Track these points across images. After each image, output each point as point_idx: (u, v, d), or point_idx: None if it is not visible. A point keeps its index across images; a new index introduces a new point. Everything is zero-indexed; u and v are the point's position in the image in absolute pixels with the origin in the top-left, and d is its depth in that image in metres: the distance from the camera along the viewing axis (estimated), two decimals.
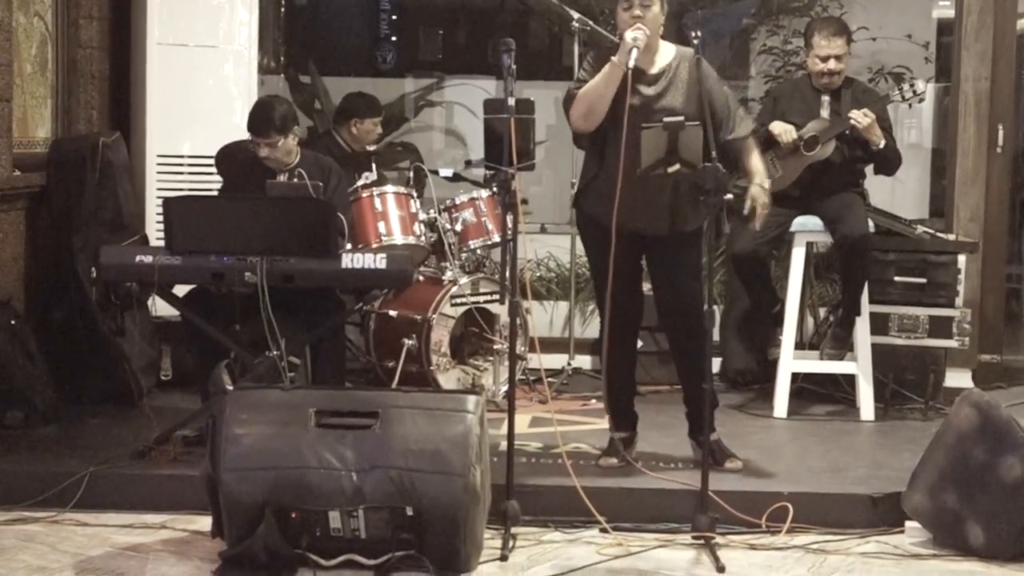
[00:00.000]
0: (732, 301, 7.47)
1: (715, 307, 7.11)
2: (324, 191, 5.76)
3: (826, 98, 6.59)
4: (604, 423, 5.99)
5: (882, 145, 6.44)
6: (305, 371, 5.69)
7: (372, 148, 7.51)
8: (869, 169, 6.73)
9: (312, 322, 5.57)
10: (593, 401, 6.80)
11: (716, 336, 7.09)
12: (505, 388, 6.36)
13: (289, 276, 5.19)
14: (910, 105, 6.85)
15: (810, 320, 7.36)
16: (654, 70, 5.30)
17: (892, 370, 6.77)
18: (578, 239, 7.55)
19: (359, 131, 7.45)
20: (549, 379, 6.97)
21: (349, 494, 4.36)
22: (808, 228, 6.56)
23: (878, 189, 7.28)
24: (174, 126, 6.94)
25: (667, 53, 5.35)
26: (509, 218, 5.02)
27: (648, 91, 5.26)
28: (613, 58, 5.15)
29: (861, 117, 6.35)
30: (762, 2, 9.75)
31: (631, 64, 5.06)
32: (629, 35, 5.12)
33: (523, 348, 6.68)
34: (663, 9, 5.26)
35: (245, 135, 6.02)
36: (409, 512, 4.37)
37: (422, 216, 6.81)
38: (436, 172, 7.32)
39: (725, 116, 5.32)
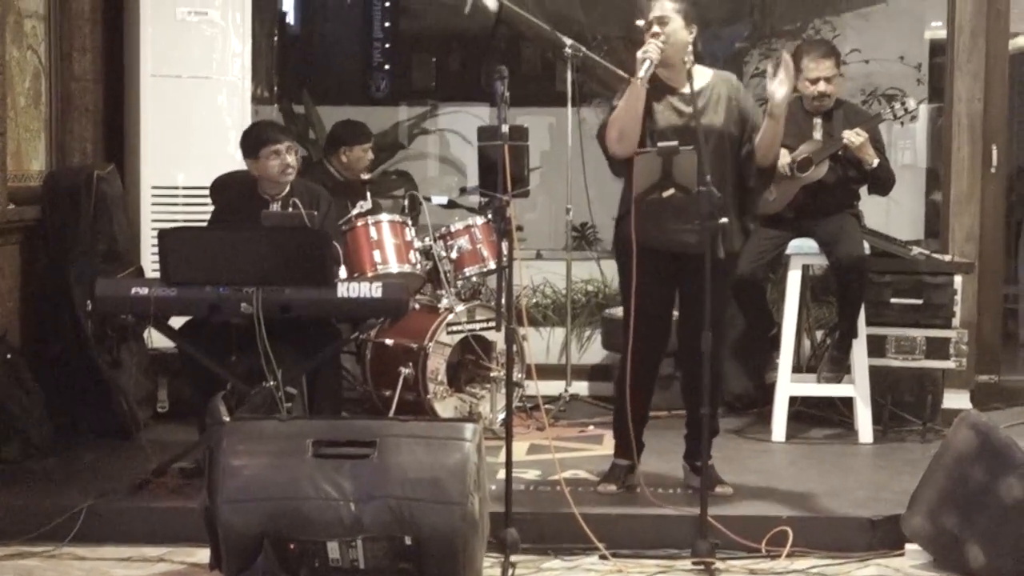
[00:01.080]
0: (729, 325, 7.46)
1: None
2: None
3: (818, 120, 6.61)
4: (602, 449, 5.99)
5: (875, 164, 6.46)
6: (302, 401, 5.67)
7: (367, 176, 7.52)
8: (863, 190, 6.74)
9: (308, 352, 5.56)
10: (591, 427, 6.79)
11: None
12: (502, 416, 6.35)
13: (285, 306, 5.19)
14: (902, 123, 6.89)
15: (807, 343, 7.35)
16: (691, 90, 5.26)
17: (890, 392, 6.76)
18: (575, 264, 7.66)
19: (349, 159, 7.44)
20: (546, 406, 6.94)
21: (347, 524, 4.34)
22: (804, 251, 6.56)
23: (873, 210, 7.28)
24: (168, 157, 6.94)
25: (704, 75, 5.36)
26: (504, 245, 5.02)
27: (688, 110, 5.23)
28: (633, 78, 5.19)
29: (854, 137, 6.37)
30: (754, 26, 9.78)
31: (641, 74, 5.09)
32: (640, 51, 5.15)
33: (520, 375, 6.69)
34: (689, 29, 5.26)
35: (238, 165, 6.02)
36: (408, 542, 4.35)
37: (417, 244, 6.81)
38: (430, 199, 7.32)
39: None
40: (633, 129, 5.21)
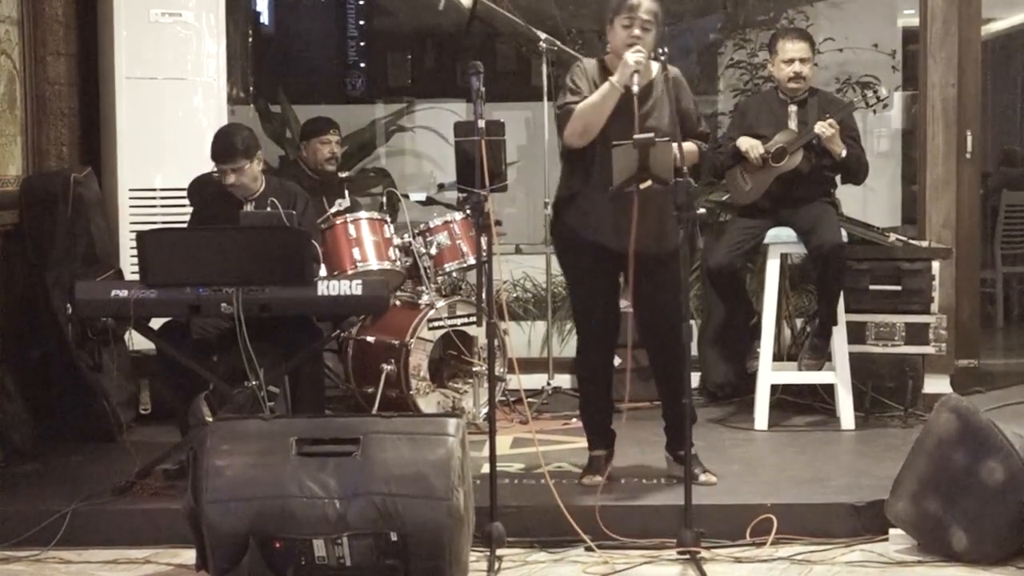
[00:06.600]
0: (709, 315, 7.48)
1: (692, 322, 7.11)
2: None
3: (793, 108, 6.63)
4: (585, 441, 5.99)
5: (844, 155, 6.47)
6: (285, 400, 5.68)
7: (343, 175, 7.52)
8: (839, 179, 6.76)
9: (290, 351, 5.56)
10: (574, 420, 6.79)
11: (695, 351, 7.10)
12: (485, 410, 6.36)
13: (265, 306, 5.18)
14: (875, 111, 6.91)
15: (787, 331, 7.37)
16: (636, 89, 5.23)
17: (871, 378, 6.80)
18: (555, 258, 7.64)
19: (309, 152, 7.49)
20: (529, 399, 6.97)
21: (333, 522, 4.35)
22: (782, 240, 6.58)
23: (850, 198, 7.31)
24: (145, 159, 6.94)
25: (652, 69, 5.36)
26: (483, 240, 5.03)
27: (638, 110, 5.20)
28: (612, 78, 5.18)
29: (826, 128, 6.39)
30: (728, 17, 9.80)
31: (634, 88, 5.09)
32: (631, 57, 5.13)
33: (502, 369, 6.69)
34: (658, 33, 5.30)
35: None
36: (393, 538, 4.35)
37: (396, 241, 6.81)
38: (408, 196, 7.32)
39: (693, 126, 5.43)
40: (598, 126, 5.22)
